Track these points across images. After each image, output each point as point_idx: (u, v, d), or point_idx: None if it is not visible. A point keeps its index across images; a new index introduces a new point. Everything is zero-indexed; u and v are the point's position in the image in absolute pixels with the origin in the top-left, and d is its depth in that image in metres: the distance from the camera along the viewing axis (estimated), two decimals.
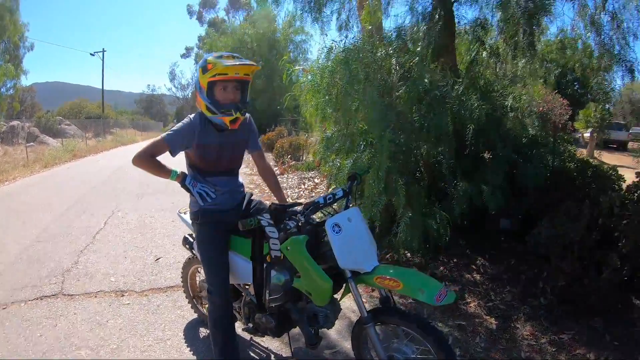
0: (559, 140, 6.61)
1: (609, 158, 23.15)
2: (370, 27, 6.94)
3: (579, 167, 6.11)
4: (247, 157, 3.66)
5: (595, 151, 24.42)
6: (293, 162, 14.88)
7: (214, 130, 3.07)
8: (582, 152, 22.88)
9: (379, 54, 5.43)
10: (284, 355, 3.70)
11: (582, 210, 4.94)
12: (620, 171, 5.95)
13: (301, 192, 10.56)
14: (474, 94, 5.17)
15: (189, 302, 4.35)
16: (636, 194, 5.00)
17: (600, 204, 4.88)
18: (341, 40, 6.63)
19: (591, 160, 20.64)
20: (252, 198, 3.46)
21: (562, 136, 7.23)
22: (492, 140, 5.45)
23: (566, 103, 18.60)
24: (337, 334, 3.99)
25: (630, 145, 29.92)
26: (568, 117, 21.14)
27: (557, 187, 5.71)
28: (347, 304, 4.01)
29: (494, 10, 6.31)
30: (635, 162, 16.19)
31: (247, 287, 3.38)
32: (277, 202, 3.38)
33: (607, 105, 40.45)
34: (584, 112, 24.35)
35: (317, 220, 2.91)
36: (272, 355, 3.72)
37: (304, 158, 15.72)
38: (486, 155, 5.82)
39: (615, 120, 35.10)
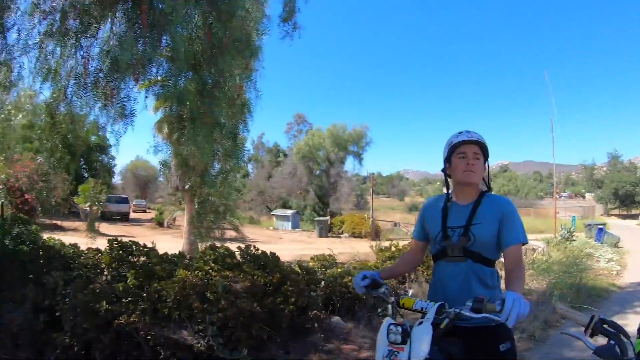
0: (18, 220, 6.21)
1: (111, 229, 24.31)
2: None
3: (33, 248, 5.75)
4: None
5: (97, 223, 24.98)
6: None
7: None
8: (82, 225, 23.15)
9: None
10: None
11: (27, 293, 4.71)
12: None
13: None
14: None
15: None
16: (76, 272, 5.06)
17: (45, 284, 4.74)
18: None
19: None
20: None
21: (21, 217, 6.84)
22: None
23: (69, 178, 18.30)
24: None
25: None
26: (69, 192, 21.10)
27: (7, 272, 5.19)
28: None
29: None
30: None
31: None
32: None
33: (112, 180, 42.90)
34: (83, 187, 24.64)
35: None
36: None
37: None
38: None
39: (119, 194, 37.56)
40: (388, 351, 2.01)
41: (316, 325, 5.33)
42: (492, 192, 2.61)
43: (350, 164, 39.51)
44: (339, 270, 6.57)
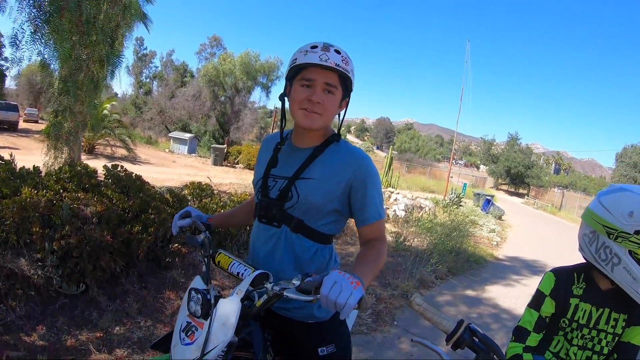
0: None
1: None
2: None
3: None
4: None
5: None
6: None
7: None
8: None
9: None
10: None
11: None
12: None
13: None
14: None
15: None
16: None
17: None
18: None
19: None
20: None
21: None
22: None
23: None
24: None
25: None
26: None
27: None
28: None
29: None
30: None
31: None
32: None
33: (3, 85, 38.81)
34: None
35: None
36: None
37: None
38: None
39: (8, 100, 34.14)
40: (186, 323, 1.52)
41: (177, 259, 4.89)
42: (346, 140, 1.85)
43: (257, 95, 37.52)
44: (215, 200, 6.07)
